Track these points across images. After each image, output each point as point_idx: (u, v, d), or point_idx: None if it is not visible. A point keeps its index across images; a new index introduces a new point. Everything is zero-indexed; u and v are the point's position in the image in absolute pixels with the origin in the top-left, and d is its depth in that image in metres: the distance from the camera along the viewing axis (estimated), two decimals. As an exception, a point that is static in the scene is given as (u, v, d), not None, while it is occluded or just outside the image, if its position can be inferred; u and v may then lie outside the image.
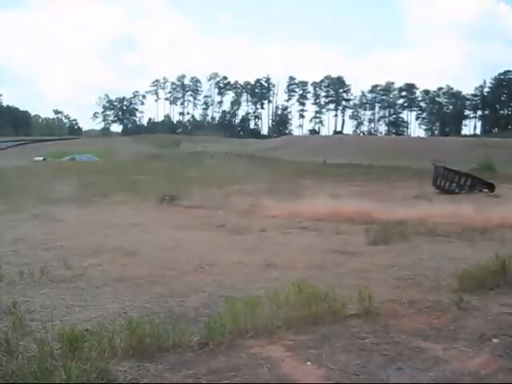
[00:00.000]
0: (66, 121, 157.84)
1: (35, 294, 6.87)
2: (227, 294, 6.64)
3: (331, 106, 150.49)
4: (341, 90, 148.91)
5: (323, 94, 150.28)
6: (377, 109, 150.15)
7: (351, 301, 6.06)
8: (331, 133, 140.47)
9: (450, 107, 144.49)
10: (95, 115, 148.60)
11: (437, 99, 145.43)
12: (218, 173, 32.74)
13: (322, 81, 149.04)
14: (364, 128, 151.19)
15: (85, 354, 4.48)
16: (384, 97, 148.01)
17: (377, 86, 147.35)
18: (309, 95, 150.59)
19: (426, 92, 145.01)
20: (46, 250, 9.96)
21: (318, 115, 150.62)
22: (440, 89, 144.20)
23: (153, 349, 4.82)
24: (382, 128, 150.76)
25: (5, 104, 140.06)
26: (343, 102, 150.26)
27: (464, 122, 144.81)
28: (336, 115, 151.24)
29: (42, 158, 68.08)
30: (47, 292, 6.98)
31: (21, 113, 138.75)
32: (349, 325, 5.59)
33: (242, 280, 7.66)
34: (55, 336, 4.89)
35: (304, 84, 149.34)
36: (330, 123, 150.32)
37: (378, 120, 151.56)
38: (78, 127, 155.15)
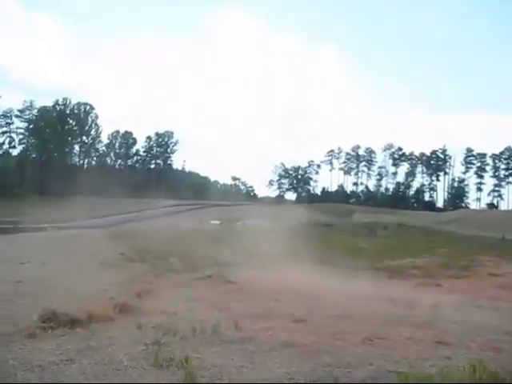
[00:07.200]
0: (242, 187, 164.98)
1: (206, 351, 7.06)
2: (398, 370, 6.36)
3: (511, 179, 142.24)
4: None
5: (503, 166, 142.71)
6: None
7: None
8: (511, 207, 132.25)
9: None
10: (271, 183, 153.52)
11: None
12: (391, 244, 32.11)
13: (501, 152, 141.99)
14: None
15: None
16: None
17: None
18: (487, 167, 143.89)
19: None
20: (218, 310, 10.30)
21: (496, 188, 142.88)
22: None
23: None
24: None
25: (187, 170, 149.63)
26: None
27: None
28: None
29: (218, 222, 71.39)
30: (217, 351, 7.14)
31: (201, 178, 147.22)
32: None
33: (412, 356, 7.30)
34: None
35: (482, 156, 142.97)
36: (510, 197, 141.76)
37: None
38: (254, 194, 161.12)
